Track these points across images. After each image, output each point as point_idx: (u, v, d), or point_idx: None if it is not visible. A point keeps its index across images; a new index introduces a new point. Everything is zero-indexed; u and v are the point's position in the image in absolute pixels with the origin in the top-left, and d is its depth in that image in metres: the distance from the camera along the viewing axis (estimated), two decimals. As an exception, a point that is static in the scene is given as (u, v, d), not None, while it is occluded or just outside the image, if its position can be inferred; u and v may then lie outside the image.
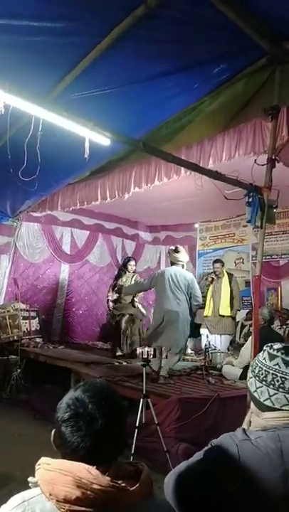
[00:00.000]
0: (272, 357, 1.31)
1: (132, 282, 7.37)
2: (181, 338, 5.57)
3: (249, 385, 1.36)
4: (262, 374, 1.31)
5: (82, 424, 1.07)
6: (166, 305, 5.58)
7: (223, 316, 7.19)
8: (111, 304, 7.64)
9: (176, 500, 1.20)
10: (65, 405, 1.12)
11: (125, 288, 7.02)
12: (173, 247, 6.10)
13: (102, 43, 3.86)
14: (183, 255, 5.93)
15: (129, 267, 7.58)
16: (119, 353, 7.17)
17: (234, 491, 1.14)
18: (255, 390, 1.32)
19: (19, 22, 3.44)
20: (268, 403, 1.28)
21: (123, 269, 7.72)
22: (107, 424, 1.08)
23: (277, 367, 1.29)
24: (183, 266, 5.91)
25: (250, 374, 1.38)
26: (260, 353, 1.37)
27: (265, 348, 1.36)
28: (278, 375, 1.28)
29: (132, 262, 7.67)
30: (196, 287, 5.80)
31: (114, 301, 7.53)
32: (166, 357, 5.70)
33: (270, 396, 1.28)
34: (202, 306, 7.06)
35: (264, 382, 1.30)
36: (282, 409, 1.26)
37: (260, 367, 1.33)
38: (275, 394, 1.27)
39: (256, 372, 1.34)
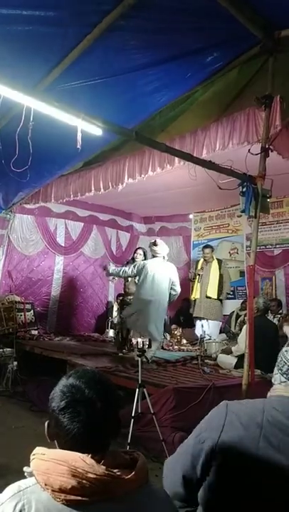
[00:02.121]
0: None
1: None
2: (152, 322, 5.70)
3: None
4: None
5: (81, 409, 1.08)
6: (143, 295, 5.76)
7: (210, 298, 7.37)
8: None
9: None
10: (61, 394, 1.12)
11: (112, 269, 6.92)
12: (152, 241, 6.19)
13: (93, 32, 3.81)
14: (161, 248, 6.01)
15: (135, 255, 7.19)
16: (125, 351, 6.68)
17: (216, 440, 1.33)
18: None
19: (7, 11, 3.38)
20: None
21: (131, 261, 7.31)
22: (105, 406, 1.09)
23: None
24: (164, 257, 6.00)
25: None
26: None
27: None
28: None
29: (140, 251, 7.16)
30: (176, 279, 5.97)
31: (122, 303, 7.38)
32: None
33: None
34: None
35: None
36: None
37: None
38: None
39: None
